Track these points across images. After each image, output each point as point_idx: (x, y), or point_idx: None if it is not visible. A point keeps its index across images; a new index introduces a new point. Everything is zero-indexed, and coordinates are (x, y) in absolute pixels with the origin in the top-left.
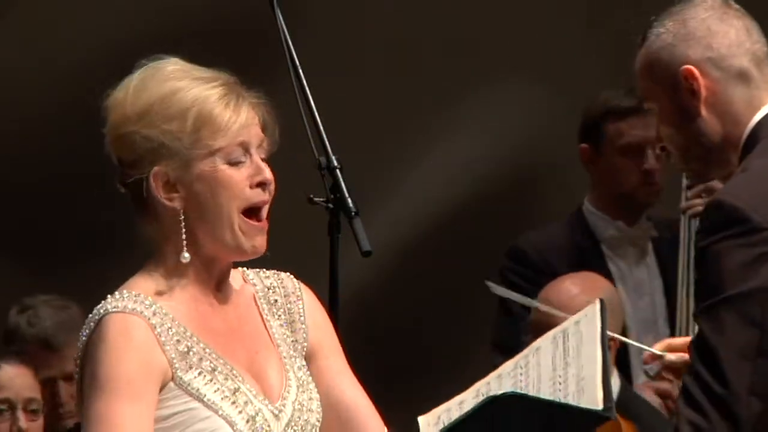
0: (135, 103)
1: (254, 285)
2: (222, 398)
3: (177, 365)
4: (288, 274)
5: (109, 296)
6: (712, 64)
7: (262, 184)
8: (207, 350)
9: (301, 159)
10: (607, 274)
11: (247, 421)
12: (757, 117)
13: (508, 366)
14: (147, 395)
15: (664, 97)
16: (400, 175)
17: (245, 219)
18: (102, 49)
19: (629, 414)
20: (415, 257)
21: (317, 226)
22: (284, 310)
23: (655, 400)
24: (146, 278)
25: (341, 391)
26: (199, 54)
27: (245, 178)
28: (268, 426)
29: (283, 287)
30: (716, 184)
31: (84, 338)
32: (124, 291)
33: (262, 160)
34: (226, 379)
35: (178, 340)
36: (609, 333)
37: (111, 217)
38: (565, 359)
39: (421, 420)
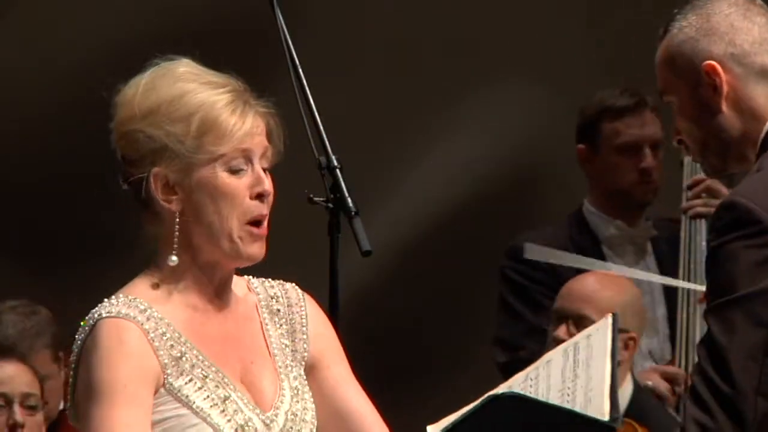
0: (143, 102)
1: (258, 294)
2: (211, 406)
3: (169, 371)
4: (293, 284)
5: (105, 300)
6: (735, 61)
7: (260, 196)
8: (200, 357)
9: (301, 159)
10: None
11: (236, 430)
12: None
13: (519, 378)
14: (142, 399)
15: (684, 91)
16: (400, 175)
17: (244, 226)
18: (102, 49)
19: (643, 418)
20: (415, 257)
21: (317, 226)
22: (286, 319)
23: (661, 384)
24: (145, 281)
25: (346, 400)
26: (199, 54)
27: (245, 187)
28: None
29: (287, 297)
30: (715, 184)
31: (79, 342)
32: (120, 295)
33: (265, 170)
34: (217, 386)
35: (171, 345)
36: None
37: (111, 217)
38: (574, 371)
39: (430, 429)
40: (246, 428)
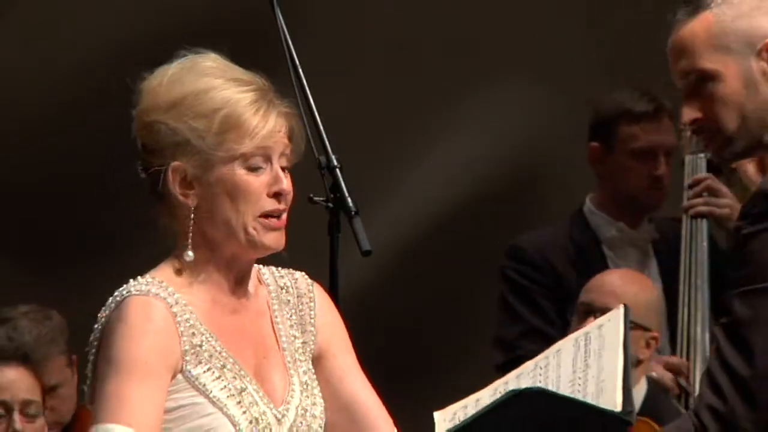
0: (168, 93)
1: (268, 285)
2: (228, 396)
3: (188, 358)
4: (302, 273)
5: (131, 280)
6: None
7: (278, 194)
8: (219, 347)
9: (301, 158)
10: None
11: (251, 422)
12: None
13: (528, 366)
14: (160, 378)
15: (732, 68)
16: (400, 175)
17: (258, 219)
18: (102, 49)
19: (658, 418)
20: (415, 257)
21: (317, 226)
22: (296, 311)
23: (665, 375)
24: (169, 268)
25: (351, 390)
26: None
27: (263, 186)
28: (271, 429)
29: (297, 287)
30: (716, 183)
31: (103, 319)
32: (148, 277)
33: (284, 169)
34: (234, 378)
35: (193, 333)
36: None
37: (111, 217)
38: (585, 361)
39: (437, 415)
40: (260, 421)
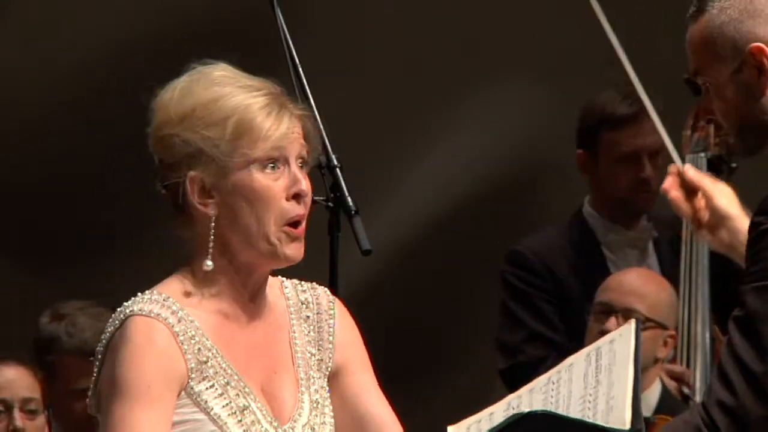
0: (178, 106)
1: (288, 299)
2: (229, 414)
3: (193, 375)
4: (324, 289)
5: (138, 294)
6: None
7: (297, 196)
8: (224, 364)
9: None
10: (608, 276)
11: None
12: None
13: (541, 380)
14: (165, 402)
15: (724, 73)
16: (400, 175)
17: (281, 228)
18: (102, 49)
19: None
20: (415, 257)
21: (317, 225)
22: (314, 327)
23: (669, 383)
24: (179, 282)
25: (368, 406)
26: (199, 54)
27: (282, 189)
28: None
29: (318, 303)
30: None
31: (107, 336)
32: (155, 292)
33: (302, 170)
34: (237, 395)
35: (198, 350)
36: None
37: (111, 217)
38: (596, 377)
39: (451, 430)
40: None
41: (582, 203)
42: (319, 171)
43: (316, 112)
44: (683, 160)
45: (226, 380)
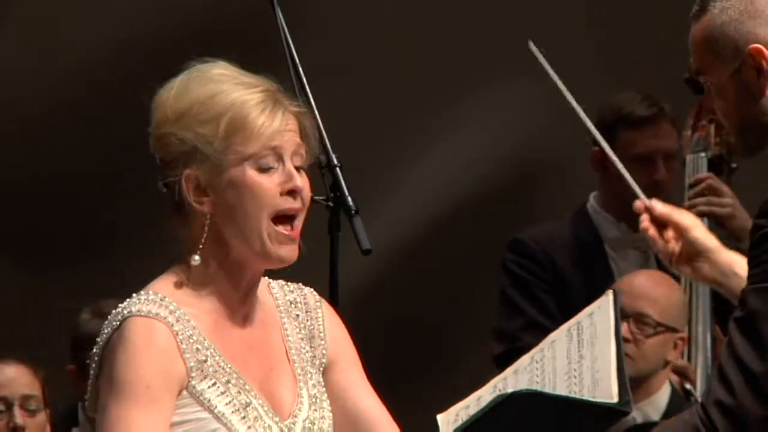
0: (175, 105)
1: (276, 298)
2: (232, 411)
3: (193, 374)
4: (310, 289)
5: (134, 295)
6: None
7: (292, 192)
8: (223, 362)
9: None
10: (609, 274)
11: None
12: None
13: (524, 360)
14: (164, 402)
15: (724, 73)
16: (400, 175)
17: (274, 226)
18: (102, 49)
19: None
20: (415, 257)
21: (317, 225)
22: (305, 325)
23: (671, 378)
24: (173, 280)
25: (358, 402)
26: (199, 54)
27: (276, 185)
28: None
29: (305, 303)
30: (717, 182)
31: (105, 336)
32: (150, 292)
33: (299, 168)
34: (239, 392)
35: (197, 349)
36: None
37: (111, 217)
38: (579, 352)
39: (440, 418)
40: None
41: (587, 199)
42: (319, 171)
43: (316, 112)
44: (684, 162)
45: (226, 378)
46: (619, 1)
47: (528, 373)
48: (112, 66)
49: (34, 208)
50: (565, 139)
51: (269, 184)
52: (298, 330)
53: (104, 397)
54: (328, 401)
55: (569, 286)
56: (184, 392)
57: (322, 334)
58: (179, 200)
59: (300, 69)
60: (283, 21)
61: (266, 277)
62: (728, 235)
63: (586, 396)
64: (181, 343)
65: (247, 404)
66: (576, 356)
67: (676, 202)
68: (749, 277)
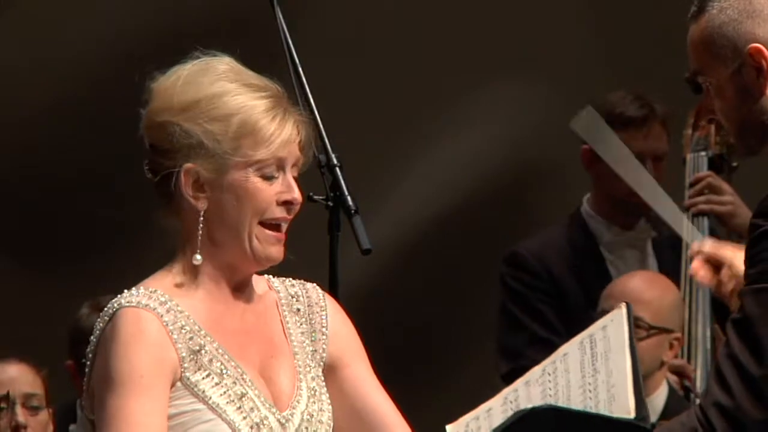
0: (182, 95)
1: (278, 292)
2: (227, 402)
3: (186, 365)
4: (314, 284)
5: (125, 291)
6: None
7: (288, 203)
8: (219, 351)
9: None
10: (607, 277)
11: (251, 428)
12: None
13: (535, 372)
14: (159, 390)
15: (723, 73)
16: (400, 175)
17: (262, 228)
18: (102, 49)
19: None
20: (415, 256)
21: (317, 225)
22: (306, 319)
23: (670, 377)
24: (165, 275)
25: (366, 397)
26: (198, 54)
27: (273, 194)
28: None
29: (308, 297)
30: (717, 181)
31: (97, 332)
32: (141, 287)
33: (295, 178)
34: (234, 383)
35: (191, 338)
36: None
37: (111, 216)
38: (593, 365)
39: (449, 429)
40: (261, 427)
41: (581, 203)
42: (319, 170)
43: (316, 112)
44: (684, 160)
45: (222, 368)
46: (620, 1)
47: (540, 385)
48: (112, 66)
49: (34, 208)
50: (564, 139)
51: (268, 192)
52: (299, 324)
53: (100, 392)
54: (327, 395)
55: (568, 295)
56: (178, 384)
57: (324, 329)
58: (173, 192)
59: (300, 69)
60: (283, 21)
61: (266, 275)
62: (729, 233)
63: (603, 410)
64: (172, 333)
65: (243, 395)
66: (590, 370)
67: (676, 200)
68: (746, 276)
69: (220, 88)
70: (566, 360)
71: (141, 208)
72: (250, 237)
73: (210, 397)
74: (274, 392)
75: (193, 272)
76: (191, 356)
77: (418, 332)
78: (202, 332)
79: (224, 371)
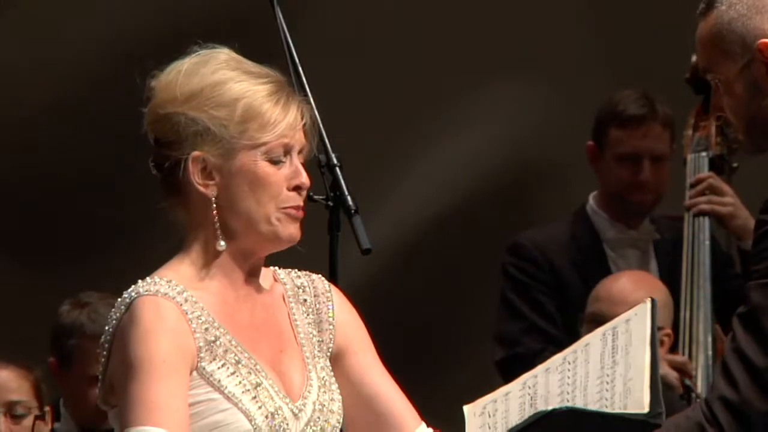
0: (185, 86)
1: (284, 284)
2: (243, 392)
3: (202, 354)
4: (319, 276)
5: (139, 281)
6: None
7: (298, 188)
8: (233, 342)
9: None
10: (608, 274)
11: (266, 417)
12: None
13: (556, 360)
14: (181, 375)
15: (733, 70)
16: (400, 174)
17: (281, 210)
18: (102, 49)
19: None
20: (415, 256)
21: (317, 224)
22: (313, 309)
23: (670, 373)
24: (177, 266)
25: (374, 385)
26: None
27: (283, 178)
28: (287, 424)
29: (314, 287)
30: (718, 181)
31: (114, 321)
32: (156, 277)
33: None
34: (249, 373)
35: (206, 329)
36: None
37: (111, 216)
38: (613, 357)
39: (467, 409)
40: (276, 416)
41: (585, 201)
42: (319, 170)
43: (316, 112)
44: (685, 161)
45: (236, 358)
46: (620, 1)
47: (560, 373)
48: (112, 66)
49: (34, 208)
50: (565, 139)
51: (278, 177)
52: (305, 315)
53: (121, 379)
54: (337, 384)
55: (569, 288)
56: (194, 373)
57: (330, 319)
58: (181, 181)
59: (300, 69)
60: (283, 21)
61: (272, 267)
62: (729, 234)
63: (617, 403)
64: (191, 322)
65: (258, 384)
66: (609, 361)
67: (677, 201)
68: (752, 272)
69: (222, 75)
70: (587, 350)
71: (141, 208)
72: (268, 218)
73: (226, 387)
74: (285, 384)
75: (206, 263)
76: (207, 346)
77: (418, 332)
78: (216, 323)
79: (239, 361)
